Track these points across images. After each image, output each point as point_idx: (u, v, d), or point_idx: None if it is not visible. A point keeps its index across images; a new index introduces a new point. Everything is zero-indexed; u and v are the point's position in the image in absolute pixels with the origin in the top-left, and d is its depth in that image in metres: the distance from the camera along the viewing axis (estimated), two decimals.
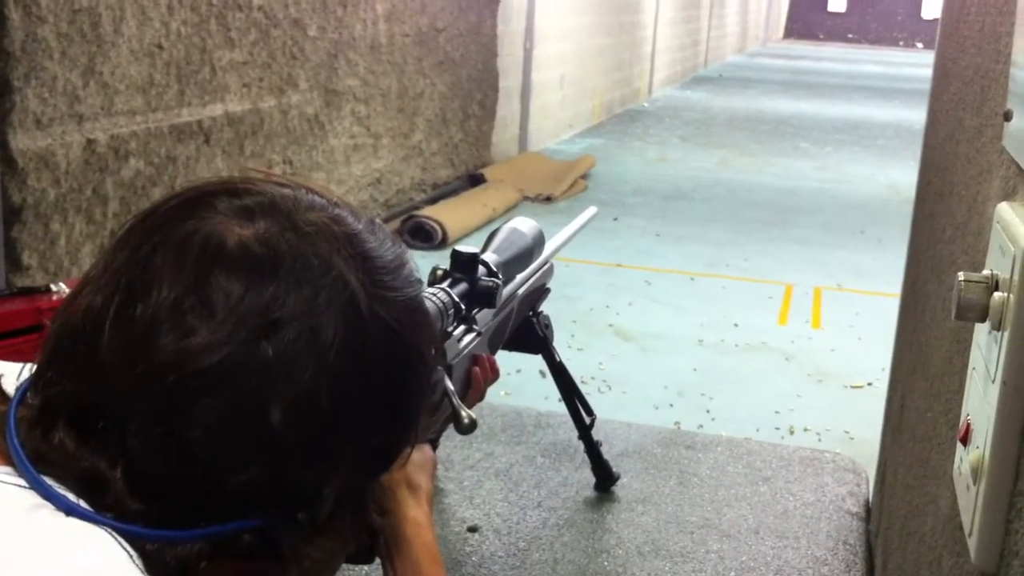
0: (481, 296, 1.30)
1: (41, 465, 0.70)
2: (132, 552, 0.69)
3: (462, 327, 1.29)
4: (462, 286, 1.28)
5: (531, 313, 1.75)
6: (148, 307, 0.70)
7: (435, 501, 1.83)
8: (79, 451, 0.70)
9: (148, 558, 0.70)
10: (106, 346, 0.70)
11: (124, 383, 0.69)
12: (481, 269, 1.32)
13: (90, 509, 0.69)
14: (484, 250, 1.42)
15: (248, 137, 5.01)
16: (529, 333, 1.76)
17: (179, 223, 0.73)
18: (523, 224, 1.53)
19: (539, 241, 1.55)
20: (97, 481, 0.70)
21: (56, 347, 0.73)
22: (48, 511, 0.69)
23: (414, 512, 0.96)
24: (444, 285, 1.25)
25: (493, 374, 1.34)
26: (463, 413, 1.14)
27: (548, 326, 1.81)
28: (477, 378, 1.32)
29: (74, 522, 0.69)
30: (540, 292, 1.73)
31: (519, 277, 1.57)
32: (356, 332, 0.73)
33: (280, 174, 0.82)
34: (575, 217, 1.86)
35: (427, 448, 1.04)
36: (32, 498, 0.69)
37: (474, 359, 1.32)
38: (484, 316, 1.37)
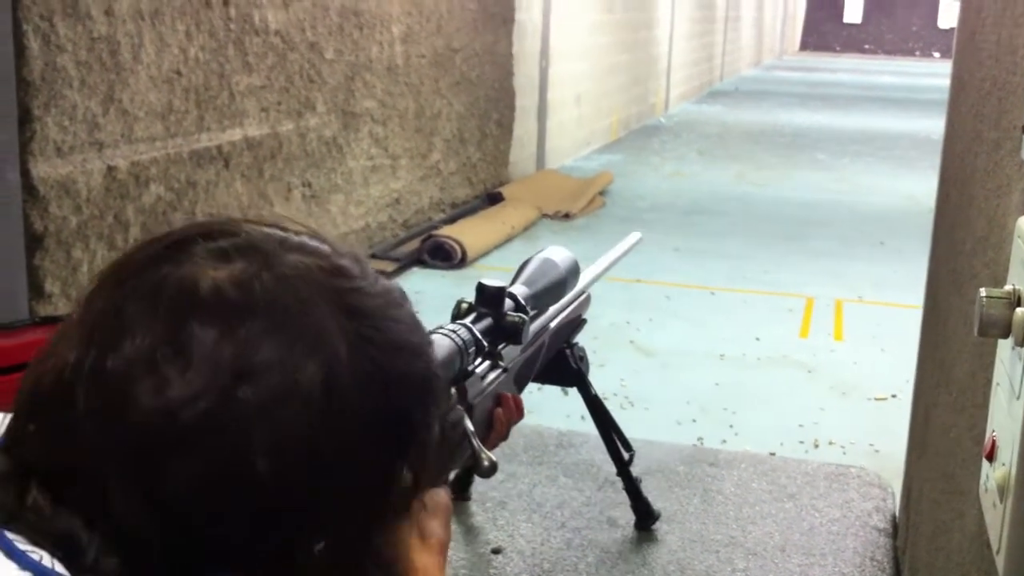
0: (507, 332, 1.24)
1: (14, 524, 0.68)
2: None
3: (486, 364, 1.24)
4: (487, 321, 1.22)
5: (565, 344, 1.69)
6: (122, 359, 0.67)
7: (459, 522, 1.82)
8: (54, 513, 0.68)
9: None
10: (81, 406, 0.68)
11: (101, 442, 0.67)
12: (508, 303, 1.26)
13: (60, 572, 0.67)
14: (514, 281, 1.36)
15: (267, 161, 5.04)
16: (563, 365, 1.70)
17: (152, 269, 0.71)
18: (556, 254, 1.46)
19: (573, 271, 1.48)
20: (73, 543, 0.68)
21: (30, 406, 0.71)
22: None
23: (424, 561, 0.92)
24: (467, 321, 1.19)
25: (518, 414, 1.29)
26: (483, 456, 1.10)
27: (583, 358, 1.74)
28: (500, 419, 1.26)
29: None
30: (576, 323, 1.66)
31: (552, 309, 1.51)
32: (339, 376, 0.71)
33: (267, 216, 0.79)
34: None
35: (442, 494, 0.99)
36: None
37: (498, 399, 1.26)
38: (510, 352, 1.31)
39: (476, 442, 1.11)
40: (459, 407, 1.12)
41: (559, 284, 1.44)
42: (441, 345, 1.09)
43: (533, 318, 1.33)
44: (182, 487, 0.68)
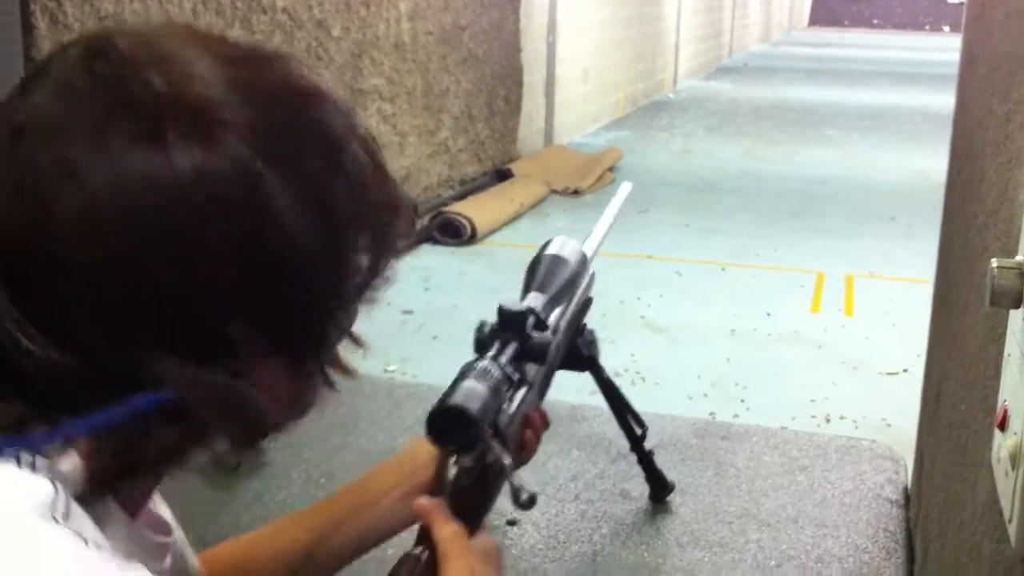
0: (533, 354, 1.20)
1: None
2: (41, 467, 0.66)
3: (512, 388, 1.18)
4: (512, 347, 1.17)
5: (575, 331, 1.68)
6: None
7: None
8: None
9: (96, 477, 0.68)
10: None
11: None
12: (531, 320, 1.22)
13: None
14: (527, 288, 1.31)
15: None
16: (574, 352, 1.68)
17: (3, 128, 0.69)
18: (563, 248, 1.41)
19: (583, 263, 1.43)
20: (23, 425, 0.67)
21: None
22: None
23: None
24: (492, 353, 1.14)
25: (544, 426, 1.26)
26: (523, 492, 1.07)
27: (593, 342, 1.72)
28: (530, 440, 1.23)
29: None
30: (585, 306, 1.66)
31: (559, 308, 1.44)
32: (201, 153, 0.66)
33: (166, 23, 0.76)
34: (603, 209, 1.78)
35: (488, 541, 0.98)
36: None
37: (525, 420, 1.21)
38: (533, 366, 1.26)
39: (514, 480, 1.07)
40: (495, 444, 1.10)
41: (571, 281, 1.39)
42: (477, 392, 1.06)
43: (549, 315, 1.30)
44: (75, 314, 0.67)
